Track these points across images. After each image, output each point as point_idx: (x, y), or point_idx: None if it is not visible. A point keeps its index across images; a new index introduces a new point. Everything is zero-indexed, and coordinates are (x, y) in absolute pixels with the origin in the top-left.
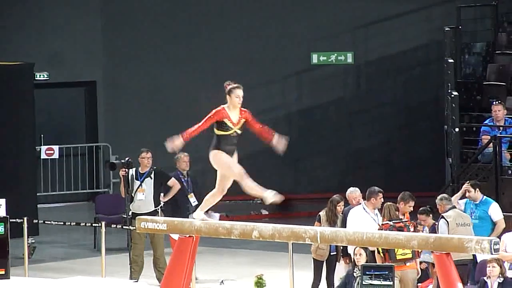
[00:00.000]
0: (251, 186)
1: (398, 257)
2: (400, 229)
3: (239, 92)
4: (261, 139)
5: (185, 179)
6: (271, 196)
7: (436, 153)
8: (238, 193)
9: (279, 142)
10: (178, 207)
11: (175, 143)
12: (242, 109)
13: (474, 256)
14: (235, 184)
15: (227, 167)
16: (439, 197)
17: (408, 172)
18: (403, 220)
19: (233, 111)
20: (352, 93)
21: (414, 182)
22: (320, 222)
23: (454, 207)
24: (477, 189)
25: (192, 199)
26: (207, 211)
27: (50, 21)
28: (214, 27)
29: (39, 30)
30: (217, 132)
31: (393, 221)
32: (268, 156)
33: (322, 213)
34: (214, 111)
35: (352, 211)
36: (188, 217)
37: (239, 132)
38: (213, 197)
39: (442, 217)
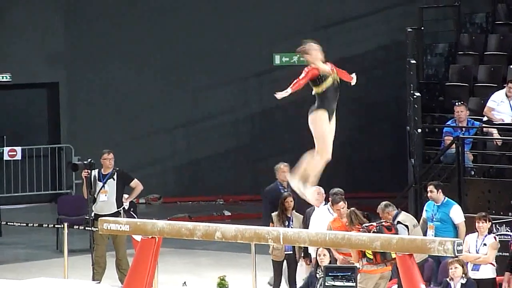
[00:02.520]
0: (315, 173)
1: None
2: (388, 228)
3: (316, 46)
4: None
5: (286, 190)
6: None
7: (397, 154)
8: (200, 194)
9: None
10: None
11: (283, 93)
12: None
13: (428, 257)
14: (197, 184)
15: (321, 136)
16: (383, 205)
17: (369, 172)
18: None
19: (321, 64)
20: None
21: (375, 183)
22: (273, 223)
23: (400, 211)
24: (440, 190)
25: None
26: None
27: (12, 22)
28: (176, 27)
29: (0, 32)
30: (317, 90)
31: (377, 222)
32: (229, 157)
33: (274, 214)
34: (307, 69)
35: (316, 211)
36: None
37: (338, 80)
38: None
39: (399, 222)
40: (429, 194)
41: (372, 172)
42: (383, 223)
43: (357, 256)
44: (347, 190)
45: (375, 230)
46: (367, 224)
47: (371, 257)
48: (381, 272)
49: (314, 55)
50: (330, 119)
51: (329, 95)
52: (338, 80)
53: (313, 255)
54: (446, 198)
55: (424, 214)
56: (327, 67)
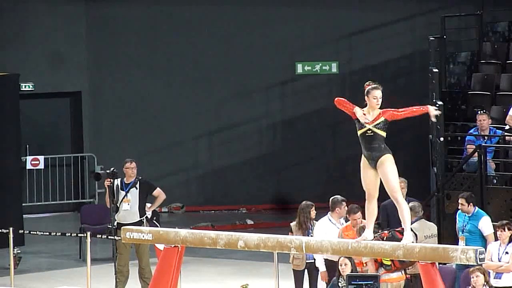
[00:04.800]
0: (372, 211)
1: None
2: (401, 232)
3: (377, 93)
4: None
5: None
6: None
7: (419, 162)
8: (223, 203)
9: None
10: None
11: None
12: (384, 109)
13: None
14: (220, 193)
15: (362, 180)
16: None
17: None
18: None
19: (371, 111)
20: None
21: None
22: (292, 233)
23: (420, 218)
24: (471, 204)
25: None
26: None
27: (35, 32)
28: (199, 37)
29: (24, 41)
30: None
31: (387, 229)
32: (251, 166)
33: (293, 224)
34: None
35: (318, 222)
36: None
37: (376, 131)
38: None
39: (410, 229)
40: (460, 207)
41: None
42: (396, 229)
43: (374, 267)
44: None
45: (389, 236)
46: (379, 233)
47: (389, 263)
48: (397, 281)
49: (371, 101)
50: (370, 164)
51: (362, 143)
52: (377, 132)
53: (321, 269)
54: (477, 209)
55: (457, 223)
56: (370, 116)
